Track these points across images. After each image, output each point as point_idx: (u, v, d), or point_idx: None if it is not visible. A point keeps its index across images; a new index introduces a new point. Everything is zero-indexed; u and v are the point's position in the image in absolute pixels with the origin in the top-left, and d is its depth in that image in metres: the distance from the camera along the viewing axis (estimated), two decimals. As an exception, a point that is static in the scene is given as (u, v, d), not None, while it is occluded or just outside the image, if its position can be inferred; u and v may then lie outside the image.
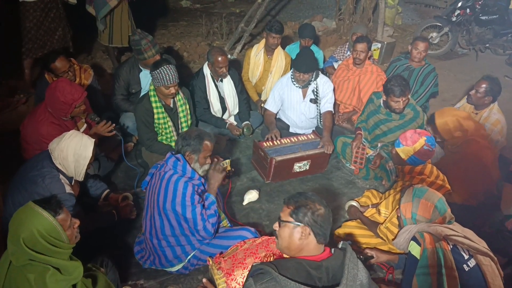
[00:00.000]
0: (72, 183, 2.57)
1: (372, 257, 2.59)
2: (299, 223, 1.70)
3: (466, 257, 2.07)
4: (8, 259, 1.76)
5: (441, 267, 2.03)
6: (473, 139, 3.19)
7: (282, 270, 1.61)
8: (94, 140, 2.57)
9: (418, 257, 2.12)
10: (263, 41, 4.54)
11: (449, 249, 2.07)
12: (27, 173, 2.45)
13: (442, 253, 2.04)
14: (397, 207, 2.40)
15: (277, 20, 4.73)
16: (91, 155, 2.51)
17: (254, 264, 1.71)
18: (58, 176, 2.46)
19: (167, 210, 2.41)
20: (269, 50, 4.53)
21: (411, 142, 2.75)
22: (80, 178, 2.56)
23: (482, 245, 2.11)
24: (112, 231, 2.82)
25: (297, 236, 1.70)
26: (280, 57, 4.54)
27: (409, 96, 3.45)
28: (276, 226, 1.81)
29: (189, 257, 2.56)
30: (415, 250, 2.15)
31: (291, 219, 1.72)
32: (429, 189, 2.26)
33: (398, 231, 2.51)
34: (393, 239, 2.53)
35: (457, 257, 2.05)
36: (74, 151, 2.45)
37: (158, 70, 3.16)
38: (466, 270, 2.04)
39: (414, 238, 2.19)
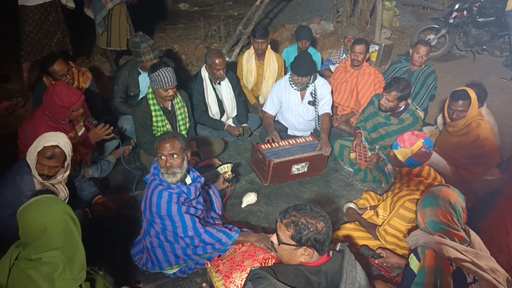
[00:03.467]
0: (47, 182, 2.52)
1: (381, 256, 2.60)
2: (301, 246, 1.65)
3: (469, 280, 1.98)
4: (8, 260, 1.75)
5: (437, 287, 1.97)
6: (481, 119, 3.34)
7: (280, 276, 1.60)
8: (63, 139, 2.49)
9: (416, 272, 2.07)
10: (252, 47, 4.55)
11: (451, 271, 1.99)
12: (11, 171, 2.48)
13: (441, 275, 1.97)
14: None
15: (262, 25, 4.74)
16: (40, 148, 2.40)
17: (252, 269, 1.70)
18: (30, 172, 2.44)
19: (148, 217, 2.42)
20: (258, 55, 4.52)
21: (409, 144, 2.75)
22: (36, 175, 2.45)
23: (492, 275, 1.96)
24: (110, 234, 2.81)
25: (299, 256, 1.67)
26: (271, 61, 4.54)
27: (409, 102, 3.46)
28: (274, 240, 1.74)
29: (180, 265, 2.56)
30: (414, 264, 2.10)
31: (292, 242, 1.65)
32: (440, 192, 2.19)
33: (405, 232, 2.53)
34: (404, 236, 2.56)
35: (458, 279, 1.98)
36: (34, 146, 2.42)
37: (156, 73, 3.16)
38: None
39: (415, 252, 2.12)
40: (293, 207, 1.71)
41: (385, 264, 2.65)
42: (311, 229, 1.62)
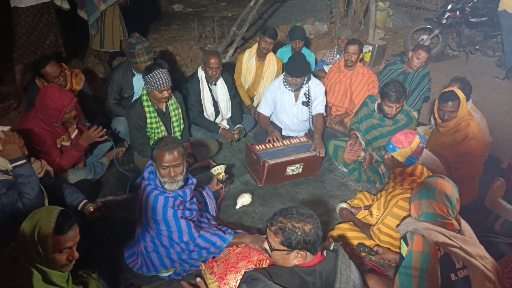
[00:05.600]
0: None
1: (377, 253, 2.62)
2: (292, 250, 1.65)
3: (458, 266, 2.02)
4: (2, 259, 1.74)
5: (423, 272, 2.00)
6: (471, 119, 3.38)
7: (275, 277, 1.60)
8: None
9: (404, 256, 2.12)
10: (255, 47, 4.56)
11: (439, 256, 2.02)
12: None
13: (427, 260, 2.01)
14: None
15: (272, 26, 4.75)
16: None
17: (246, 271, 1.70)
18: None
19: (142, 222, 2.41)
20: (261, 55, 4.53)
21: (407, 143, 2.76)
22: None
23: (481, 261, 1.99)
24: (104, 236, 2.80)
25: (293, 259, 1.67)
26: (272, 63, 4.55)
27: (404, 103, 3.47)
28: (266, 246, 1.74)
29: (175, 268, 2.55)
30: (403, 249, 2.15)
31: (283, 248, 1.66)
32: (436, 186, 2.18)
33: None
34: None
35: (446, 264, 2.01)
36: None
37: (151, 74, 3.15)
38: (453, 279, 2.00)
39: (404, 238, 2.17)
40: (279, 213, 1.71)
41: (382, 261, 2.66)
42: (299, 233, 1.63)
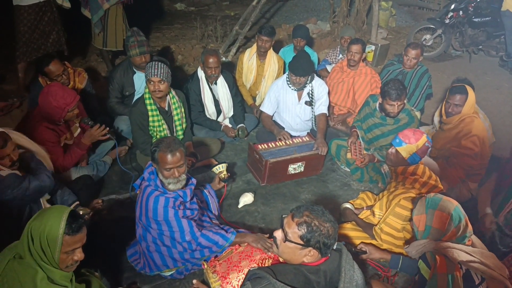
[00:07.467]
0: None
1: (364, 252, 2.61)
2: (307, 247, 1.64)
3: (477, 282, 1.99)
4: (7, 257, 1.74)
5: None
6: (476, 116, 3.39)
7: (279, 276, 1.60)
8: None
9: (427, 278, 2.08)
10: (255, 46, 4.55)
11: (461, 274, 1.99)
12: None
13: (452, 280, 1.97)
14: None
15: (270, 25, 4.75)
16: None
17: (251, 269, 1.70)
18: None
19: (144, 223, 2.40)
20: (260, 54, 4.53)
21: (415, 140, 2.75)
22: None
23: (498, 271, 1.98)
24: (107, 235, 2.80)
25: (303, 256, 1.66)
26: (272, 61, 4.55)
27: (405, 101, 3.46)
28: (278, 235, 1.72)
29: (177, 267, 2.55)
30: (424, 270, 2.11)
31: (300, 242, 1.64)
32: (443, 197, 2.15)
33: (409, 238, 2.55)
34: (406, 241, 2.56)
35: (467, 281, 1.98)
36: None
37: (148, 64, 3.17)
38: None
39: (424, 258, 2.12)
40: (305, 207, 1.71)
41: (368, 260, 2.67)
42: (323, 232, 1.62)
